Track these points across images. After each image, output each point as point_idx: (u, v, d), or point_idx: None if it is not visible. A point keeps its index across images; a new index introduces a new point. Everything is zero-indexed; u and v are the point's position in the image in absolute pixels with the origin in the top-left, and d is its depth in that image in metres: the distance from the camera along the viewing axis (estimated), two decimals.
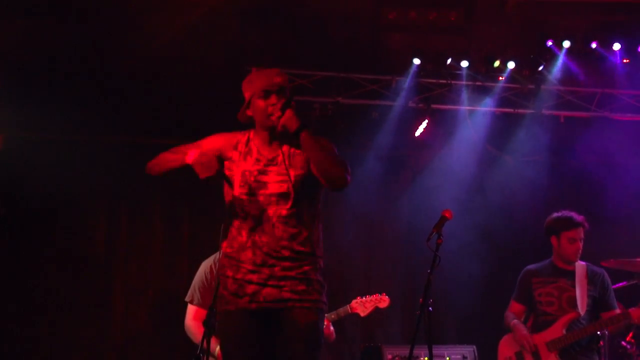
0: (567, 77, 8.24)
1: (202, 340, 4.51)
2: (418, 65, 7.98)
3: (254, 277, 3.99)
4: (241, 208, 4.06)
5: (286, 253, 3.97)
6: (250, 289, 3.99)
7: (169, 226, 8.23)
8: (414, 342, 4.63)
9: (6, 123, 7.59)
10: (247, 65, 7.77)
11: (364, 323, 8.44)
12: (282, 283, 3.96)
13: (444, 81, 8.17)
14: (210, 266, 5.47)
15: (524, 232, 8.41)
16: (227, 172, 4.14)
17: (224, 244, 4.12)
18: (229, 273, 4.08)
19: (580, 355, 6.02)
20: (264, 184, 4.05)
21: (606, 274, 6.25)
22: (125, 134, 8.08)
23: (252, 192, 4.05)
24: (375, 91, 8.16)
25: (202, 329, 5.33)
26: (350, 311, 5.87)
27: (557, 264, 6.27)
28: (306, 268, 3.99)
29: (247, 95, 4.24)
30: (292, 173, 4.02)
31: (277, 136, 4.12)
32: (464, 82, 8.20)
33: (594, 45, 7.91)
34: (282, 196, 4.01)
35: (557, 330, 6.02)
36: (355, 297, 6.17)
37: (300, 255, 3.99)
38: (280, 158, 4.07)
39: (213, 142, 4.32)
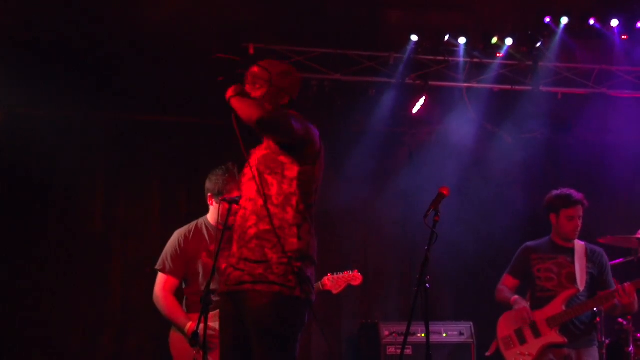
0: (565, 53, 8.22)
1: (200, 317, 4.53)
2: (415, 42, 7.95)
3: (232, 260, 4.03)
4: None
5: (251, 232, 3.96)
6: (226, 271, 4.04)
7: (166, 203, 8.22)
8: (411, 318, 4.63)
9: (3, 100, 7.57)
10: (244, 42, 7.77)
11: (362, 300, 8.48)
12: (241, 265, 3.95)
13: (441, 58, 8.15)
14: (185, 235, 5.48)
15: (521, 209, 8.43)
16: None
17: None
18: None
19: (580, 331, 6.04)
20: (245, 174, 4.15)
21: (604, 253, 6.27)
22: (122, 111, 8.06)
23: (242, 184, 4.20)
24: (372, 68, 8.14)
25: (170, 300, 5.37)
26: (322, 288, 5.78)
27: (557, 241, 6.28)
28: (267, 250, 3.92)
29: None
30: (256, 155, 4.11)
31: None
32: (461, 59, 8.17)
33: (592, 22, 7.89)
34: (250, 179, 4.05)
35: (557, 306, 6.04)
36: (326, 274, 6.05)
37: (262, 238, 3.94)
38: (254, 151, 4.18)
39: None
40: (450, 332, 7.38)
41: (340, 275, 5.76)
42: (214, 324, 4.87)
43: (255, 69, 4.22)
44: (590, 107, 8.47)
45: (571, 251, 6.20)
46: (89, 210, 8.06)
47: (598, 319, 6.13)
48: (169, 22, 7.33)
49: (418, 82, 8.23)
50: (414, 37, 7.91)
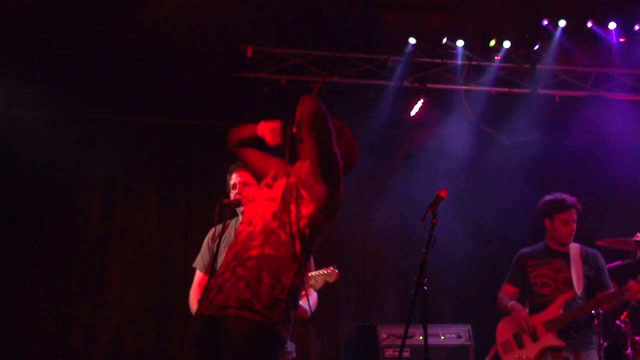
0: (563, 56, 8.23)
1: None
2: (413, 45, 7.96)
3: (218, 280, 3.89)
4: (245, 215, 4.09)
5: (254, 252, 3.80)
6: (209, 294, 3.86)
7: (164, 205, 8.22)
8: (409, 321, 4.63)
9: (1, 101, 7.57)
10: (243, 45, 7.78)
11: (359, 302, 8.48)
12: (227, 286, 3.77)
13: (439, 60, 8.16)
14: (213, 232, 5.48)
15: (519, 211, 8.42)
16: None
17: None
18: None
19: (578, 334, 6.04)
20: (265, 191, 4.04)
21: (600, 255, 6.26)
22: (120, 113, 8.06)
23: (254, 200, 4.06)
24: (370, 70, 8.15)
25: (193, 295, 5.38)
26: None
27: (551, 246, 6.28)
28: (263, 275, 3.74)
29: None
30: (286, 181, 3.96)
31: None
32: (459, 62, 8.18)
33: (589, 25, 7.91)
34: (272, 199, 3.94)
35: (554, 310, 6.04)
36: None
37: (263, 262, 3.77)
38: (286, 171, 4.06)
39: None
40: (448, 335, 7.37)
41: (319, 272, 5.73)
42: None
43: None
44: (588, 109, 8.47)
45: (566, 255, 6.19)
46: (87, 212, 8.05)
47: (596, 321, 6.12)
48: (168, 25, 7.34)
49: (416, 84, 8.24)
50: (412, 40, 7.92)
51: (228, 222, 5.32)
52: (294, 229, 3.81)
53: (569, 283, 6.08)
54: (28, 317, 7.70)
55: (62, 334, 7.77)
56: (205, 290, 3.92)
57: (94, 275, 7.96)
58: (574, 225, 6.21)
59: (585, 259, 6.17)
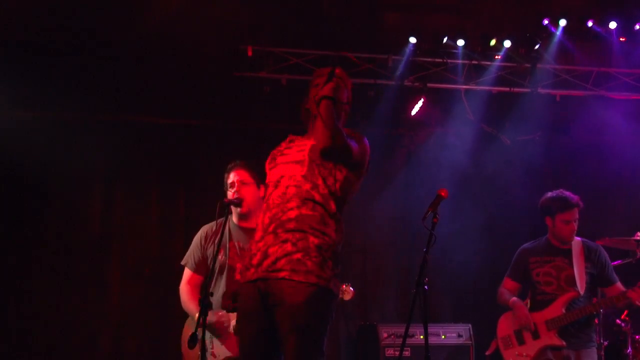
0: (563, 55, 8.23)
1: (198, 320, 4.54)
2: (414, 44, 7.96)
3: (260, 245, 3.97)
4: (266, 183, 4.12)
5: (292, 214, 3.91)
6: (255, 257, 3.97)
7: (164, 205, 8.22)
8: (409, 320, 4.64)
9: (1, 101, 7.57)
10: (243, 44, 7.78)
11: (360, 302, 8.47)
12: (275, 249, 3.89)
13: (440, 60, 8.16)
14: (207, 232, 5.47)
15: (519, 211, 8.42)
16: None
17: None
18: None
19: (579, 332, 6.04)
20: (285, 155, 4.12)
21: (602, 249, 6.24)
22: (120, 113, 8.06)
23: (275, 164, 4.12)
24: (371, 70, 8.14)
25: (185, 291, 5.40)
26: None
27: (553, 243, 6.27)
28: (308, 235, 3.88)
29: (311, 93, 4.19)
30: (310, 142, 4.05)
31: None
32: (460, 61, 8.18)
33: (590, 24, 7.91)
34: (298, 162, 4.03)
35: (556, 309, 6.03)
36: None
37: (304, 222, 3.90)
38: (308, 136, 4.14)
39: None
40: (448, 334, 7.37)
41: None
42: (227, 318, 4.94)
43: (342, 75, 4.16)
44: (588, 109, 8.47)
45: (569, 252, 6.18)
46: (87, 212, 8.05)
47: (596, 320, 6.12)
48: (168, 24, 7.34)
49: (417, 84, 8.24)
50: (413, 39, 7.93)
51: (220, 220, 5.33)
52: (328, 190, 3.96)
53: (571, 281, 6.08)
54: (28, 317, 7.70)
55: (62, 334, 7.77)
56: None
57: (94, 275, 7.96)
58: (575, 225, 6.20)
59: (588, 256, 6.15)
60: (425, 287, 4.50)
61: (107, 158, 8.10)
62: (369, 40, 8.08)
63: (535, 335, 6.08)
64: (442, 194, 4.66)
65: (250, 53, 7.78)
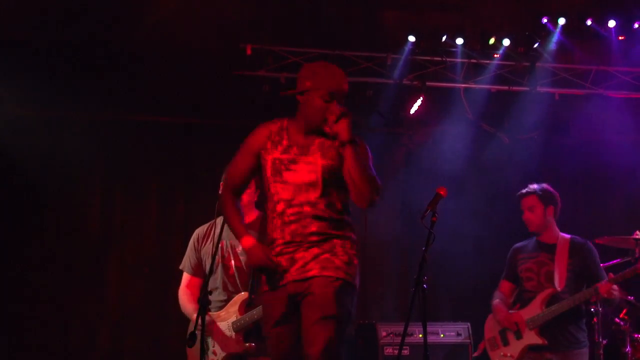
0: (562, 54, 8.23)
1: (197, 318, 4.54)
2: (413, 43, 7.96)
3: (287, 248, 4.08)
4: (273, 195, 4.13)
5: (313, 228, 4.05)
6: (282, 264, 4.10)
7: (164, 204, 8.22)
8: (408, 319, 4.64)
9: (1, 99, 7.56)
10: (242, 43, 7.77)
11: (359, 300, 8.44)
12: (302, 254, 4.06)
13: (438, 58, 8.15)
14: (199, 234, 5.48)
15: (518, 210, 8.40)
16: (261, 161, 4.20)
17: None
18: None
19: (564, 333, 5.95)
20: (293, 171, 4.11)
21: (590, 245, 6.12)
22: (119, 112, 8.06)
23: (283, 180, 4.11)
24: (369, 68, 8.14)
25: (190, 297, 5.40)
26: None
27: (540, 239, 6.23)
28: (333, 232, 4.06)
29: (307, 83, 4.16)
30: (320, 162, 4.10)
31: (315, 131, 4.14)
32: (459, 60, 8.18)
33: (589, 22, 7.90)
34: (312, 184, 4.08)
35: (536, 307, 5.98)
36: None
37: (327, 220, 4.07)
38: (313, 147, 4.13)
39: (255, 142, 4.27)
40: (447, 333, 7.35)
41: None
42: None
43: (346, 86, 4.30)
44: (587, 108, 8.47)
45: (553, 248, 6.11)
46: (86, 211, 8.05)
47: (595, 319, 6.05)
48: (166, 23, 7.34)
49: (415, 82, 8.23)
50: (412, 38, 7.92)
51: (211, 221, 5.35)
52: (342, 204, 4.13)
53: (550, 278, 6.02)
54: (27, 317, 7.70)
55: (62, 334, 7.77)
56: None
57: (93, 275, 7.96)
58: (529, 214, 6.19)
59: (572, 253, 6.06)
60: (425, 285, 4.50)
61: (105, 157, 8.10)
62: (368, 39, 8.08)
63: (518, 335, 6.04)
64: (441, 192, 4.65)
65: (249, 52, 7.77)
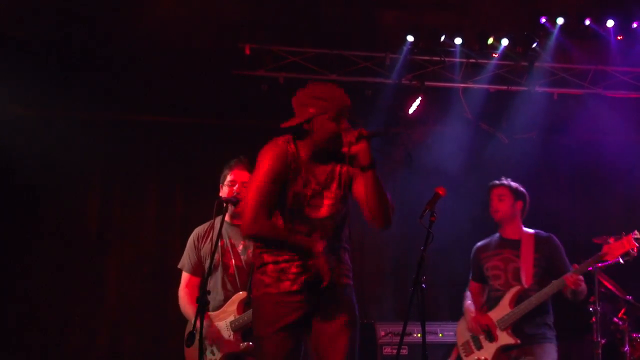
0: (561, 54, 8.23)
1: (196, 318, 4.54)
2: (411, 42, 7.96)
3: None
4: (288, 223, 4.12)
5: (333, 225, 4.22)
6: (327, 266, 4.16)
7: (162, 203, 8.23)
8: (407, 318, 4.64)
9: (1, 99, 7.57)
10: (240, 43, 7.77)
11: (358, 300, 8.45)
12: (335, 261, 4.24)
13: (437, 58, 8.16)
14: (199, 233, 5.47)
15: None
16: (284, 188, 4.12)
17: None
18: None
19: (533, 327, 5.85)
20: (314, 207, 4.16)
21: (554, 238, 6.03)
22: (118, 112, 8.06)
23: (303, 216, 4.13)
24: (368, 68, 8.14)
25: (190, 297, 5.39)
26: None
27: (503, 235, 6.16)
28: (344, 244, 4.32)
29: (310, 110, 4.09)
30: (337, 194, 4.22)
31: (326, 154, 4.15)
32: (457, 60, 8.18)
33: (587, 22, 7.90)
34: (331, 217, 4.19)
35: (504, 307, 5.89)
36: None
37: (337, 233, 4.27)
38: (329, 179, 4.19)
39: (279, 170, 4.08)
40: (446, 333, 7.37)
41: None
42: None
43: (348, 101, 4.29)
44: (586, 107, 8.48)
45: (518, 244, 6.03)
46: (85, 210, 8.06)
47: (594, 319, 6.01)
48: (165, 23, 7.34)
49: (414, 82, 8.24)
50: (410, 38, 7.93)
51: (211, 220, 5.34)
52: (345, 220, 4.35)
53: (517, 275, 5.94)
54: (26, 316, 7.70)
55: (61, 333, 7.78)
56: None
57: (92, 274, 7.97)
58: (496, 204, 6.15)
59: (537, 248, 5.97)
60: (423, 285, 4.50)
61: (104, 156, 8.11)
62: (367, 39, 8.08)
63: (491, 338, 5.93)
64: (440, 192, 4.65)
65: (248, 51, 7.77)
